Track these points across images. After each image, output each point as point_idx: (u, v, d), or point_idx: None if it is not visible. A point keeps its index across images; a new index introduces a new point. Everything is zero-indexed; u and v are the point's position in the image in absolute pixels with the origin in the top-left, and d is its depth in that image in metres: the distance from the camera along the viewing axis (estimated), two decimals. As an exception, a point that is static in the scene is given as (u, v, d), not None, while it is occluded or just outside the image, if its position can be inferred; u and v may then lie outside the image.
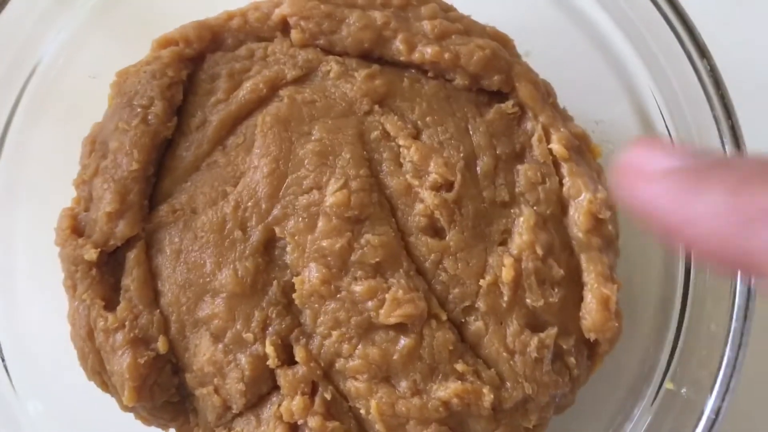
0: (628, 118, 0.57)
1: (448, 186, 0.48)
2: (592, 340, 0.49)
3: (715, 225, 0.26)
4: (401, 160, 0.49)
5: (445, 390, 0.46)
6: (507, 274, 0.47)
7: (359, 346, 0.47)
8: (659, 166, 0.29)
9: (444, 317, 0.47)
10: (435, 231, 0.48)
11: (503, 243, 0.49)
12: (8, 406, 0.53)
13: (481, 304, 0.48)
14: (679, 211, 0.27)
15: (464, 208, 0.48)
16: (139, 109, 0.49)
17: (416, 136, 0.50)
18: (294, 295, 0.48)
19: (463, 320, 0.48)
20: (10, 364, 0.54)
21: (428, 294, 0.47)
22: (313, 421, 0.46)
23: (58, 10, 0.55)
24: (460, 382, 0.46)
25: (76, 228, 0.50)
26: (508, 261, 0.48)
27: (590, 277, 0.49)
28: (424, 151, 0.49)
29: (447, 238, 0.48)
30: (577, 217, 0.49)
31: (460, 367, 0.47)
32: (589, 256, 0.50)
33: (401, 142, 0.49)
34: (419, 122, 0.50)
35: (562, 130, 0.51)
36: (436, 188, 0.48)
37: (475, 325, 0.48)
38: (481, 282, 0.48)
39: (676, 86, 0.52)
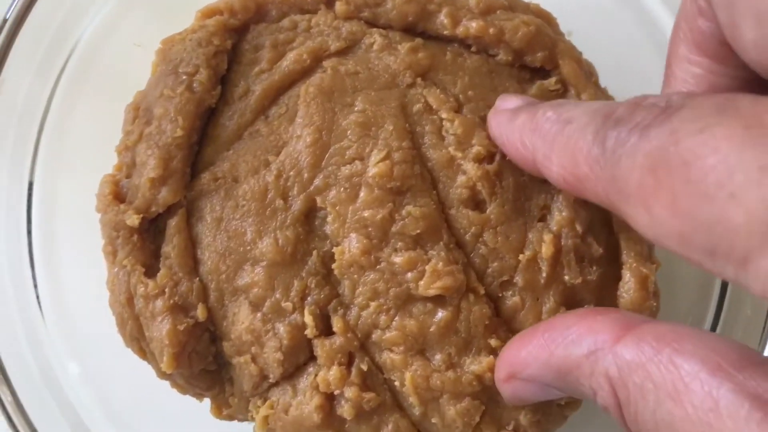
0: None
1: (490, 158, 0.48)
2: (629, 319, 0.49)
3: (514, 138, 0.42)
4: (443, 133, 0.49)
5: (479, 364, 0.46)
6: (547, 250, 0.47)
7: (396, 318, 0.47)
8: (504, 106, 0.45)
9: (482, 291, 0.47)
10: (476, 204, 0.48)
11: (542, 219, 0.49)
12: (51, 369, 0.53)
13: (519, 279, 0.48)
14: (502, 131, 0.44)
15: (505, 180, 0.48)
16: (184, 77, 0.49)
17: (458, 109, 0.50)
18: (333, 266, 0.48)
19: (500, 295, 0.48)
20: (50, 326, 0.54)
21: (467, 267, 0.47)
22: (350, 392, 0.46)
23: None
24: (493, 356, 0.46)
25: (118, 194, 0.50)
26: (547, 237, 0.48)
27: (629, 255, 0.49)
28: (467, 125, 0.49)
29: (488, 211, 0.48)
30: None
31: (493, 342, 0.47)
32: (628, 235, 0.49)
33: (444, 116, 0.49)
34: (461, 96, 0.50)
35: None
36: (479, 160, 0.48)
37: (511, 300, 0.48)
38: (521, 257, 0.47)
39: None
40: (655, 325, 0.35)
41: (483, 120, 0.49)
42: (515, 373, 0.42)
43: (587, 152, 0.35)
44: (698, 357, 0.32)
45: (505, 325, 0.48)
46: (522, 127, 0.41)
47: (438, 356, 0.47)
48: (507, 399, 0.45)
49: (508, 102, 0.46)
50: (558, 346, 0.39)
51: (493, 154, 0.48)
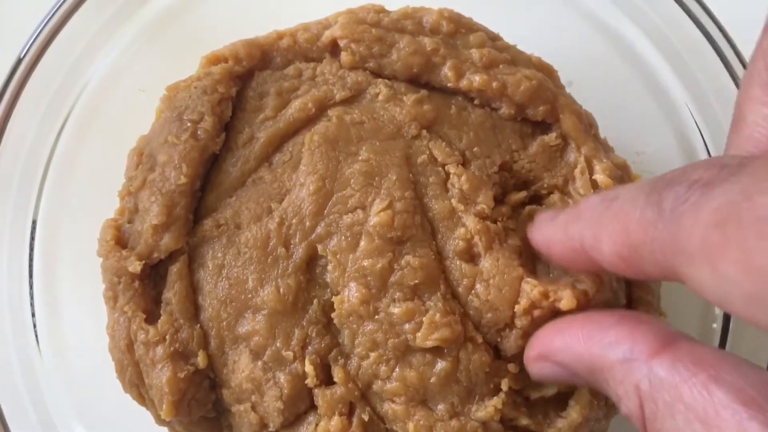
0: (671, 150, 0.57)
1: (494, 219, 0.49)
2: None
3: (558, 234, 0.42)
4: (448, 186, 0.49)
5: (485, 410, 0.46)
6: (568, 303, 0.45)
7: (396, 369, 0.47)
8: (543, 217, 0.45)
9: (480, 340, 0.47)
10: (470, 256, 0.48)
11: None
12: (48, 414, 0.53)
13: (519, 322, 0.46)
14: (543, 232, 0.44)
15: (505, 242, 0.48)
16: (188, 124, 0.49)
17: (463, 163, 0.50)
18: (333, 315, 0.47)
19: (499, 339, 0.48)
20: (47, 366, 0.54)
21: (464, 317, 0.47)
22: (352, 442, 0.46)
23: (113, 26, 0.56)
24: (497, 398, 0.46)
25: (119, 239, 0.50)
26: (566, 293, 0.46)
27: (639, 304, 0.50)
28: (474, 181, 0.49)
29: (480, 264, 0.47)
30: None
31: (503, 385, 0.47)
32: (639, 284, 0.50)
33: (452, 170, 0.49)
34: (467, 152, 0.50)
35: (604, 161, 0.51)
36: (482, 217, 0.48)
37: (514, 341, 0.47)
38: (516, 308, 0.46)
39: (721, 117, 0.53)
40: (694, 346, 0.35)
41: (489, 178, 0.50)
42: (547, 356, 0.43)
43: (640, 217, 0.34)
44: (734, 387, 0.32)
45: (505, 365, 0.48)
46: (565, 222, 0.41)
47: (441, 406, 0.46)
48: (533, 376, 0.45)
49: (547, 213, 0.46)
50: (595, 344, 0.39)
51: (495, 219, 0.49)
